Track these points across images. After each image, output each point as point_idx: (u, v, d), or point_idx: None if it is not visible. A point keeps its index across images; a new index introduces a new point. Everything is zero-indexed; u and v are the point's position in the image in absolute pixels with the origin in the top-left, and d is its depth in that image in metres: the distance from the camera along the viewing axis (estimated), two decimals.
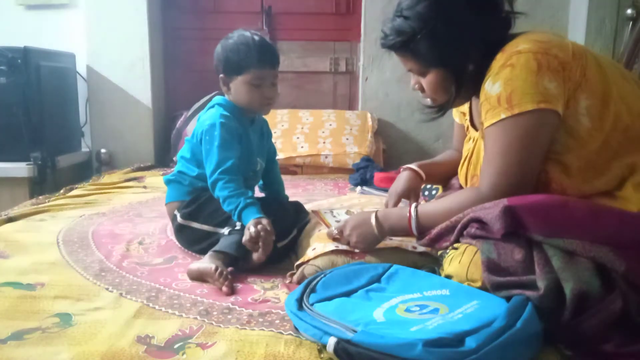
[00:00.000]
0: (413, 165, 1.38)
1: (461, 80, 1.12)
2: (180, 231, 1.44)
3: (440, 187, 1.51)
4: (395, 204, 1.33)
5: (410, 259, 1.19)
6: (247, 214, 1.27)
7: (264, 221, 1.25)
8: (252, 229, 1.23)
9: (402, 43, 1.11)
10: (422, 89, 1.18)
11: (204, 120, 1.42)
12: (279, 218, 1.32)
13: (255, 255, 1.26)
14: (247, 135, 1.44)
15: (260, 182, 1.60)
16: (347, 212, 1.43)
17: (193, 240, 1.42)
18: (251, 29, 1.44)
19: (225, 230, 1.33)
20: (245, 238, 1.24)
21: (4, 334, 0.93)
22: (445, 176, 1.45)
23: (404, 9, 1.10)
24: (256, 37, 1.40)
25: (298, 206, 1.50)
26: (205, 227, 1.39)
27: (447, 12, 1.07)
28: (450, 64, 1.10)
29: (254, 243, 1.24)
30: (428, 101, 1.21)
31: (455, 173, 1.39)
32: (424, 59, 1.12)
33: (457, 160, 1.39)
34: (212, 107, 1.45)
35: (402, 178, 1.37)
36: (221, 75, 1.43)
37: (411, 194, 1.34)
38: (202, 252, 1.34)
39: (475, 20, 1.07)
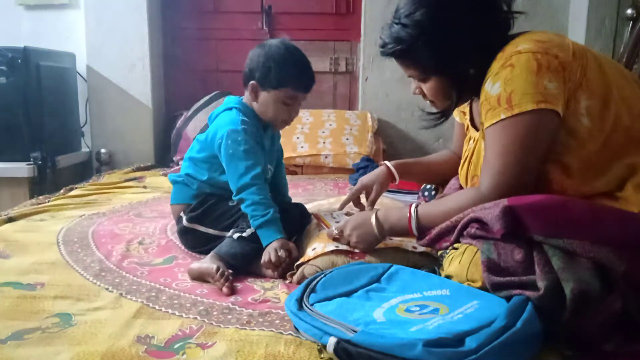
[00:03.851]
0: (390, 164, 1.43)
1: (462, 85, 1.12)
2: (185, 234, 1.43)
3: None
4: (358, 192, 1.41)
5: (410, 259, 1.19)
6: (271, 231, 1.26)
7: (291, 245, 1.25)
8: (281, 253, 1.22)
9: (402, 51, 1.11)
10: (423, 94, 1.18)
11: (222, 123, 1.38)
12: (283, 222, 1.31)
13: (269, 272, 1.25)
14: (262, 143, 1.43)
15: None
16: (347, 214, 1.43)
17: (198, 243, 1.41)
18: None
19: (234, 235, 1.30)
20: (267, 258, 1.22)
21: (4, 334, 0.94)
22: (425, 175, 1.49)
23: (402, 16, 1.10)
24: (300, 55, 1.39)
25: (301, 209, 1.48)
26: (210, 231, 1.39)
27: (445, 19, 1.07)
28: (450, 71, 1.11)
29: (275, 266, 1.23)
30: (430, 104, 1.21)
31: (439, 173, 1.45)
32: (424, 66, 1.12)
33: (445, 161, 1.45)
34: (229, 109, 1.41)
35: (375, 171, 1.43)
36: (253, 82, 1.39)
37: (375, 187, 1.39)
38: (205, 253, 1.33)
39: (474, 25, 1.07)
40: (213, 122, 1.44)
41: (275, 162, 1.54)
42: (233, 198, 1.33)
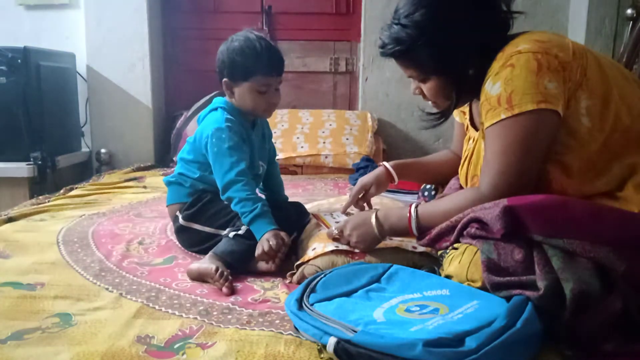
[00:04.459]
0: (388, 165, 1.43)
1: (462, 85, 1.12)
2: (182, 232, 1.44)
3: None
4: (358, 193, 1.41)
5: (410, 259, 1.19)
6: (263, 224, 1.26)
7: (282, 234, 1.25)
8: (273, 242, 1.22)
9: (401, 52, 1.11)
10: (423, 94, 1.18)
11: (208, 123, 1.40)
12: (281, 220, 1.31)
13: (264, 266, 1.25)
14: (249, 139, 1.43)
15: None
16: (347, 214, 1.43)
17: (194, 242, 1.42)
18: (252, 29, 1.43)
19: (230, 233, 1.31)
20: (261, 250, 1.22)
21: (4, 334, 0.94)
22: (425, 176, 1.50)
23: (401, 16, 1.10)
24: (263, 42, 1.37)
25: (299, 207, 1.50)
26: (206, 229, 1.39)
27: (444, 20, 1.07)
28: (450, 71, 1.11)
29: (270, 257, 1.23)
30: (430, 104, 1.21)
31: (439, 173, 1.45)
32: (423, 66, 1.12)
33: (445, 161, 1.45)
34: (215, 109, 1.43)
35: (374, 172, 1.44)
36: (225, 80, 1.40)
37: (373, 188, 1.42)
38: (203, 253, 1.33)
39: (474, 25, 1.07)
40: (200, 124, 1.45)
41: (267, 160, 1.55)
42: (221, 197, 1.34)
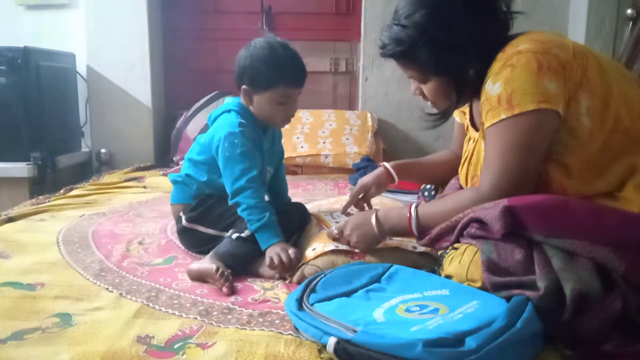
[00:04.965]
0: (388, 165, 1.43)
1: (462, 86, 1.12)
2: (185, 233, 1.43)
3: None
4: (358, 194, 1.42)
5: (410, 259, 1.19)
6: (269, 234, 1.26)
7: (295, 249, 1.24)
8: (284, 255, 1.21)
9: (402, 52, 1.11)
10: (423, 95, 1.18)
11: (220, 126, 1.38)
12: (283, 223, 1.31)
13: (269, 273, 1.24)
14: (260, 144, 1.42)
15: None
16: (347, 214, 1.43)
17: (197, 243, 1.41)
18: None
19: (233, 235, 1.30)
20: (277, 260, 1.21)
21: (4, 334, 0.93)
22: (424, 176, 1.50)
23: (401, 17, 1.10)
24: (287, 51, 1.35)
25: (302, 210, 1.48)
26: (210, 231, 1.38)
27: (444, 20, 1.07)
28: (450, 72, 1.11)
29: (282, 270, 1.22)
30: (430, 104, 1.21)
31: (438, 173, 1.46)
32: (424, 67, 1.12)
33: (445, 161, 1.45)
34: (228, 111, 1.41)
35: (374, 172, 1.45)
36: (244, 87, 1.38)
37: (373, 188, 1.42)
38: (205, 254, 1.32)
39: (474, 26, 1.07)
40: (212, 125, 1.44)
41: (275, 164, 1.54)
42: (229, 202, 1.33)
